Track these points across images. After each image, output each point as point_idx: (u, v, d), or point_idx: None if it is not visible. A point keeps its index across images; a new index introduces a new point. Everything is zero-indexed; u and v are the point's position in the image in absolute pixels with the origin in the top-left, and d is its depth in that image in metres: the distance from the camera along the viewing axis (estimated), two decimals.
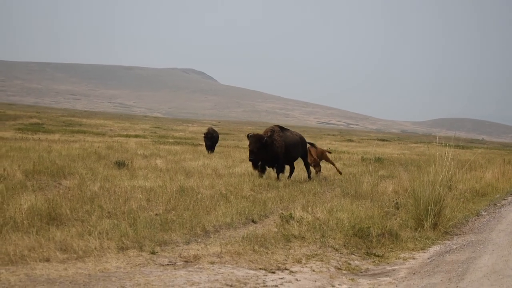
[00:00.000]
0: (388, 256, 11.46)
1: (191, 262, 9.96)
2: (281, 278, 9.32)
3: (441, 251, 11.84)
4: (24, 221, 11.46)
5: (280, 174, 22.98)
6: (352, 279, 9.73)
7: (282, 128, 23.63)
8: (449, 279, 9.15)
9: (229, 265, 9.86)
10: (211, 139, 37.25)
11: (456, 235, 13.79)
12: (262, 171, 22.60)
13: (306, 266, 10.19)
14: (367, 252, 11.52)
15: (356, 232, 12.22)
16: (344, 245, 11.68)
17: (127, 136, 55.58)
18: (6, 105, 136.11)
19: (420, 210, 13.79)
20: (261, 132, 23.78)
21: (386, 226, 12.85)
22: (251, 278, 9.19)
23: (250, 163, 22.74)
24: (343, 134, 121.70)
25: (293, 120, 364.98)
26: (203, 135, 38.08)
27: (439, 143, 16.61)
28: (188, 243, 11.21)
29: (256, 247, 10.98)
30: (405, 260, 11.28)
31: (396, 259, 11.32)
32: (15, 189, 14.97)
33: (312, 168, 24.50)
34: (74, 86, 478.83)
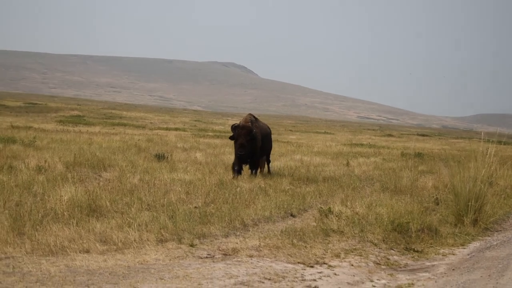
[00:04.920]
0: (428, 251, 11.39)
1: (229, 255, 9.98)
2: (320, 273, 9.30)
3: (481, 247, 11.74)
4: (65, 213, 11.58)
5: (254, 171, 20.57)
6: (391, 274, 9.68)
7: (255, 118, 21.10)
8: (489, 275, 9.06)
9: (267, 259, 9.87)
10: None
11: (496, 231, 13.66)
12: (239, 170, 19.91)
13: (344, 261, 10.16)
14: (406, 248, 11.45)
15: (395, 227, 12.16)
16: (383, 240, 11.63)
17: (167, 129, 55.74)
18: (47, 97, 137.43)
19: (460, 206, 13.66)
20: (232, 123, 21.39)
21: (426, 222, 12.75)
22: (290, 272, 9.19)
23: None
24: (383, 129, 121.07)
25: (332, 115, 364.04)
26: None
27: (482, 139, 16.42)
28: (227, 236, 11.24)
29: (294, 241, 10.98)
30: (445, 255, 11.20)
31: (435, 254, 11.24)
32: (56, 181, 15.10)
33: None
34: (115, 79, 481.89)
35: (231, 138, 20.28)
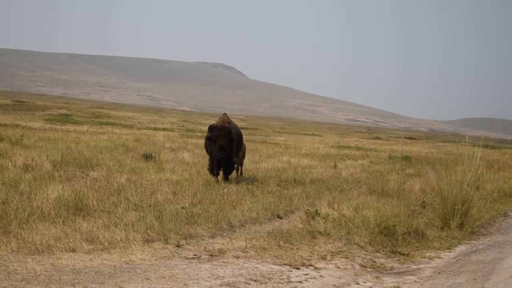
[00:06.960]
0: (414, 254, 11.42)
1: (216, 256, 9.99)
2: (306, 274, 9.32)
3: (467, 251, 11.78)
4: (51, 211, 11.56)
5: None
6: (377, 277, 9.70)
7: (230, 120, 19.60)
8: (474, 279, 9.09)
9: (254, 260, 9.88)
10: None
11: (482, 235, 13.71)
12: (218, 174, 18.70)
13: (331, 263, 10.18)
14: (393, 250, 11.48)
15: (382, 230, 12.19)
16: (370, 243, 11.65)
17: (155, 129, 55.70)
18: (35, 96, 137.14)
19: (447, 210, 13.71)
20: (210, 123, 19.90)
21: (412, 225, 12.80)
22: (276, 273, 9.20)
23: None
24: (371, 131, 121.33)
25: (320, 117, 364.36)
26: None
27: (468, 142, 16.46)
28: (214, 237, 11.25)
29: (281, 242, 10.99)
30: (431, 259, 11.23)
31: (421, 258, 11.28)
32: (43, 179, 15.09)
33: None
34: (104, 78, 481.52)
35: (208, 139, 19.00)
